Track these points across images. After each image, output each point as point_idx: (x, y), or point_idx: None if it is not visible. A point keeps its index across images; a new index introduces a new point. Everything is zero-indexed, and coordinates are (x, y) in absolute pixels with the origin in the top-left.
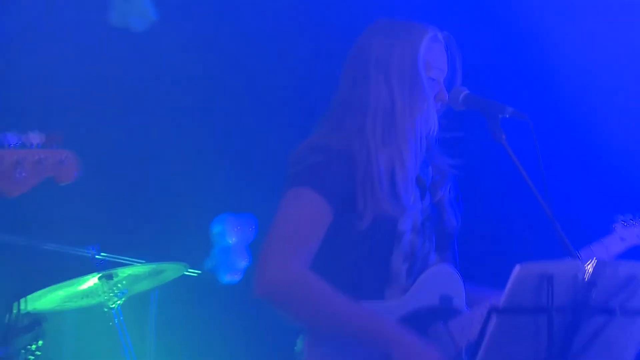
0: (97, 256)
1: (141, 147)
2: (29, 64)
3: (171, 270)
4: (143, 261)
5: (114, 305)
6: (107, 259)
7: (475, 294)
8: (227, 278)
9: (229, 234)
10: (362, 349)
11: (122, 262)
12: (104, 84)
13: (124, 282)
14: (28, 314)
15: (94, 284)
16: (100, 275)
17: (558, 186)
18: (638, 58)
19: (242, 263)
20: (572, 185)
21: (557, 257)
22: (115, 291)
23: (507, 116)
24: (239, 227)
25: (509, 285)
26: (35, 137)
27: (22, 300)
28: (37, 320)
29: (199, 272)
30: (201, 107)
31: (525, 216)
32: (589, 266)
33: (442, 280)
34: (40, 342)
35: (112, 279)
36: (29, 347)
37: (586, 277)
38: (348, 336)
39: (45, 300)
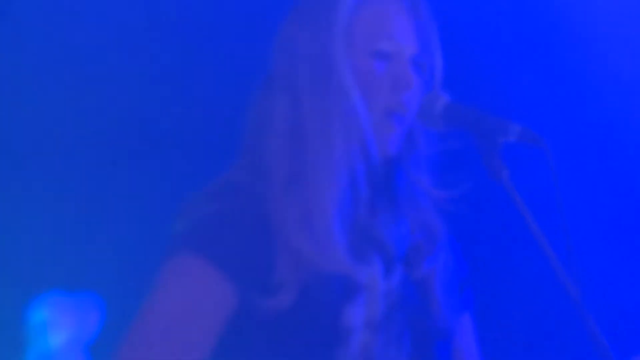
0: None
1: None
2: None
3: None
4: None
5: None
6: None
7: None
8: None
9: (55, 327)
10: None
11: None
12: None
13: None
14: None
15: None
16: None
17: (592, 250)
18: None
19: None
20: (613, 249)
21: None
22: None
23: (513, 140)
24: (73, 315)
25: None
26: None
27: None
28: None
29: None
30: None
31: (539, 298)
32: None
33: None
34: None
35: None
36: None
37: None
38: None
39: None
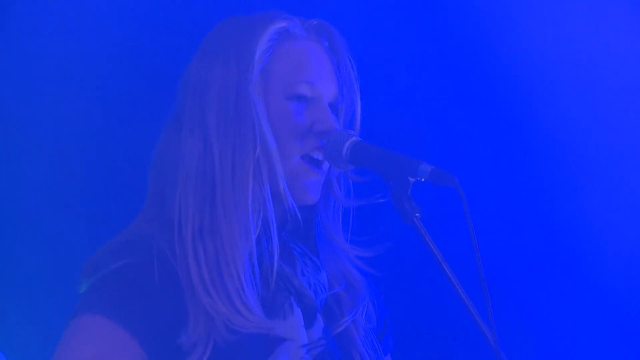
0: None
1: None
2: None
3: None
4: None
5: None
6: None
7: None
8: None
9: None
10: None
11: None
12: None
13: None
14: None
15: None
16: None
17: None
18: None
19: None
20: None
21: None
22: None
23: (423, 180)
24: None
25: None
26: None
27: None
28: None
29: None
30: None
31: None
32: None
33: None
34: None
35: None
36: None
37: None
38: None
39: None
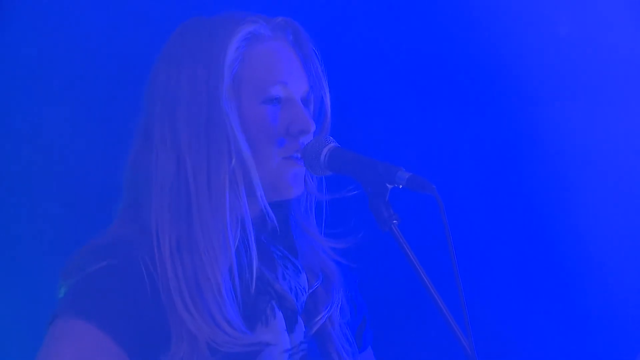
0: None
1: None
2: None
3: None
4: None
5: None
6: None
7: None
8: None
9: None
10: None
11: None
12: None
13: None
14: None
15: None
16: None
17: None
18: None
19: None
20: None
21: None
22: None
23: (401, 186)
24: None
25: None
26: None
27: None
28: None
29: None
30: None
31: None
32: None
33: None
34: None
35: None
36: None
37: None
38: None
39: None
